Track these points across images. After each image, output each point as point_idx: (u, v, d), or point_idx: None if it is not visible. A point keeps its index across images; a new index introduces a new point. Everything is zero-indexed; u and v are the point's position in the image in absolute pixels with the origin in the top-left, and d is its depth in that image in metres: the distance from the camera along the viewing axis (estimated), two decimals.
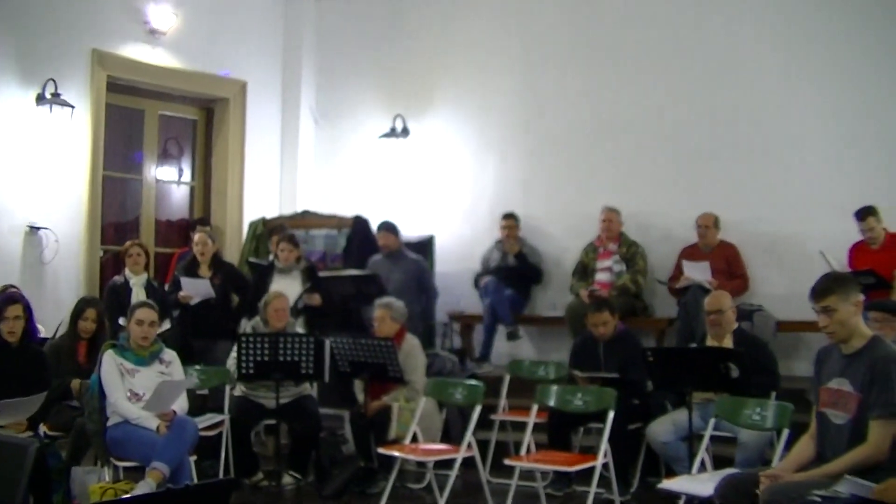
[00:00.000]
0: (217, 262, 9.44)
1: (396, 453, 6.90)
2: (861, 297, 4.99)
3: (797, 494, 4.43)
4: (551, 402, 6.87)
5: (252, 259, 10.23)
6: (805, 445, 5.11)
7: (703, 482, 5.45)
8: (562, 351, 8.64)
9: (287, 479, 7.73)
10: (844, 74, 9.43)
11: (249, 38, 11.53)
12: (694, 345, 7.51)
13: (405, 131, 11.29)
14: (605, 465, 6.58)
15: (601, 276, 9.62)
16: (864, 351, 4.92)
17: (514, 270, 10.13)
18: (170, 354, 7.03)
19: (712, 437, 7.06)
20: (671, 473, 6.77)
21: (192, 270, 9.30)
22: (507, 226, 10.29)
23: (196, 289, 9.08)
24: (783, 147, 9.69)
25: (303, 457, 7.89)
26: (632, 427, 7.39)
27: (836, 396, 4.95)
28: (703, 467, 6.23)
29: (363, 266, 10.03)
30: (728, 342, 7.17)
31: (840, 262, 8.75)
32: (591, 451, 6.66)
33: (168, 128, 11.41)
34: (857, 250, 8.92)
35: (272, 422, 7.93)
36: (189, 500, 3.22)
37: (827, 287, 4.93)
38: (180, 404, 6.76)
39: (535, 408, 6.86)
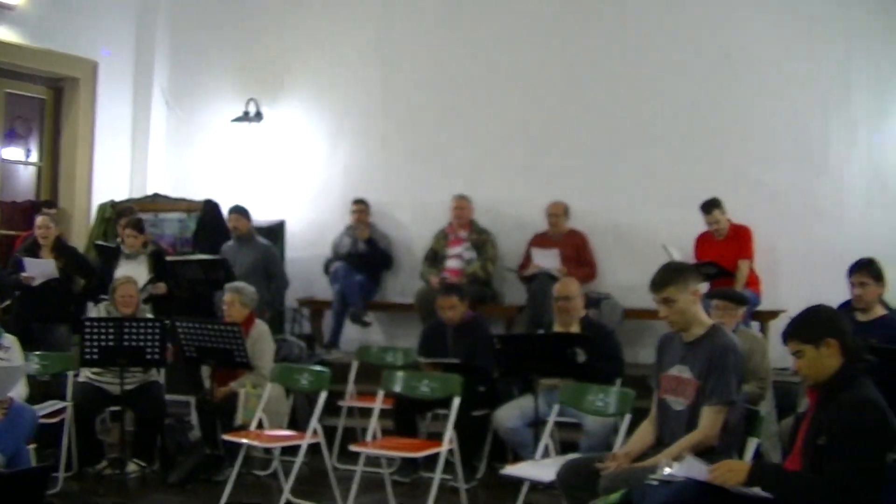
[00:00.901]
0: (59, 247, 9.20)
1: (242, 440, 6.80)
2: (700, 287, 5.11)
3: (635, 479, 4.51)
4: (397, 389, 6.83)
5: (99, 242, 10.00)
6: (645, 431, 5.22)
7: (545, 467, 5.52)
8: (411, 337, 8.65)
9: (132, 467, 7.54)
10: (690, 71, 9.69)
11: (102, 17, 11.17)
12: (541, 331, 7.59)
13: (258, 115, 11.12)
14: (451, 452, 6.59)
15: (451, 263, 9.66)
16: (704, 339, 5.05)
17: (364, 256, 10.09)
18: (9, 340, 6.83)
19: (559, 424, 7.16)
20: (518, 459, 6.84)
21: (33, 254, 9.05)
22: (358, 211, 10.25)
23: (39, 269, 8.84)
24: (634, 139, 9.91)
25: (148, 444, 7.72)
26: (478, 413, 7.43)
27: (676, 383, 5.08)
28: (547, 453, 6.29)
29: (214, 251, 9.86)
30: (575, 329, 7.25)
31: (685, 253, 8.96)
32: (437, 438, 6.67)
33: (15, 106, 10.95)
34: (701, 241, 9.17)
35: (117, 408, 7.74)
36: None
37: (665, 278, 5.04)
38: (18, 391, 6.54)
39: (380, 394, 6.83)
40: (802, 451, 4.22)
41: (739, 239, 9.02)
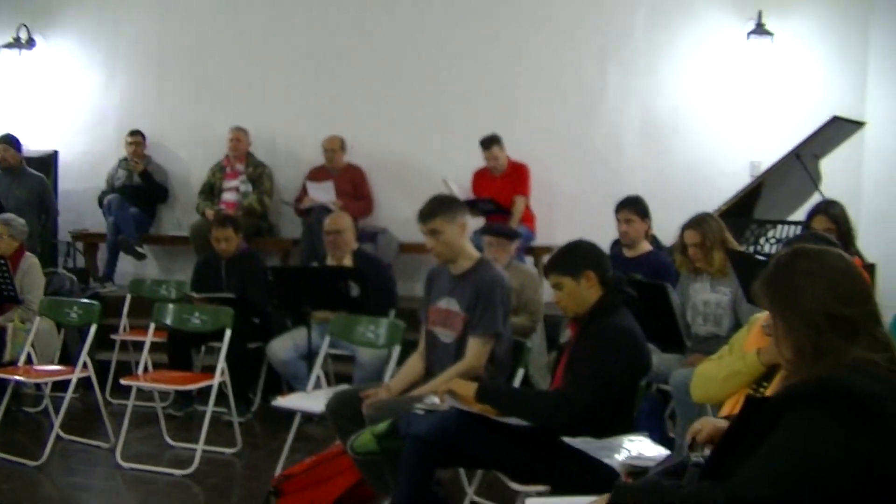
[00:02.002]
0: None
1: (9, 376, 6.64)
2: (467, 220, 5.22)
3: (401, 408, 4.62)
4: (168, 322, 6.77)
5: None
6: (415, 362, 5.32)
7: (316, 399, 5.57)
8: (187, 271, 8.56)
9: None
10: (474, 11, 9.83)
11: None
12: (315, 264, 7.64)
13: (30, 42, 10.68)
14: (225, 385, 6.60)
15: (228, 196, 9.57)
16: (471, 273, 5.16)
17: (139, 189, 9.88)
18: None
19: (334, 356, 7.27)
20: (293, 391, 6.89)
21: None
22: (134, 143, 10.00)
23: None
24: (415, 75, 9.99)
25: None
26: (252, 346, 7.47)
27: (444, 315, 5.19)
28: (319, 385, 6.37)
29: None
30: (348, 262, 7.32)
31: (463, 189, 9.14)
32: (212, 371, 6.65)
33: None
34: (479, 177, 9.35)
35: None
36: None
37: (433, 209, 5.12)
38: None
39: (152, 327, 6.76)
40: (562, 379, 4.42)
41: (517, 176, 9.23)
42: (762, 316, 3.93)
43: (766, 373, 3.75)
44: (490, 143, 9.14)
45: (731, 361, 3.92)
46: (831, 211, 5.91)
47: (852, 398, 2.35)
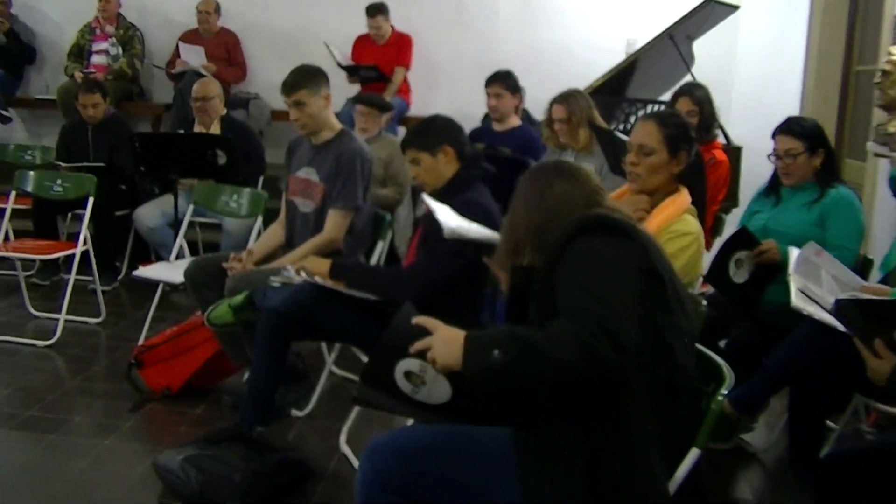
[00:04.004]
0: None
1: None
2: (329, 92, 5.17)
3: (259, 280, 4.62)
4: (29, 189, 6.59)
5: None
6: (275, 232, 5.31)
7: (177, 269, 5.49)
8: (54, 135, 8.30)
9: None
10: None
11: None
12: (182, 131, 7.51)
13: None
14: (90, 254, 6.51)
15: (97, 59, 9.26)
16: (332, 143, 5.13)
17: (4, 50, 9.52)
18: None
19: (202, 224, 7.22)
20: (161, 259, 6.86)
21: None
22: None
23: None
24: None
25: None
26: (120, 213, 7.37)
27: (304, 185, 5.17)
28: (183, 254, 6.33)
29: None
30: (216, 129, 7.22)
31: (344, 55, 9.01)
32: (78, 238, 6.53)
33: None
34: (361, 44, 9.19)
35: None
36: None
37: (297, 81, 5.04)
38: None
39: (13, 194, 6.59)
40: (416, 252, 4.45)
41: (400, 46, 9.11)
42: (615, 193, 3.99)
43: None
44: (375, 11, 9.00)
45: None
46: (696, 93, 5.97)
47: (610, 221, 2.66)
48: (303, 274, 4.31)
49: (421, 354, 2.58)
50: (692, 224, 3.70)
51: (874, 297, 2.72)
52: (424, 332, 2.57)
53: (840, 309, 2.79)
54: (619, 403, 2.52)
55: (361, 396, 2.85)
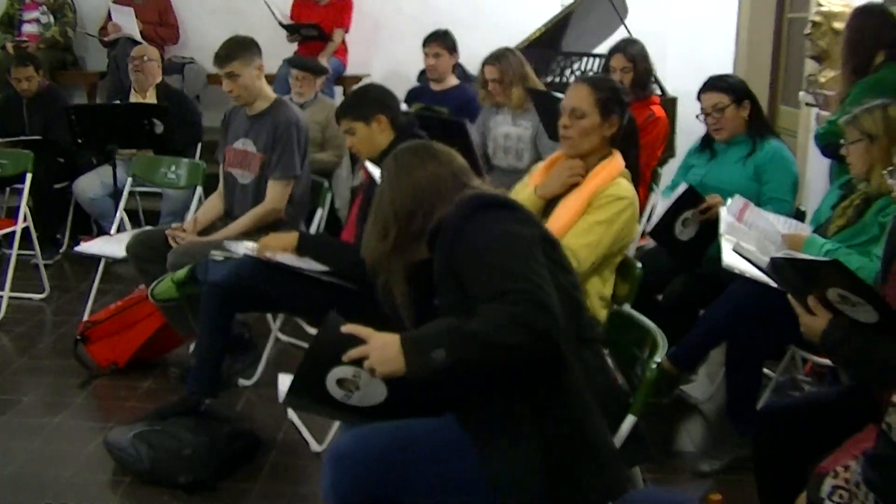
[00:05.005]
0: None
1: None
2: (262, 62, 5.15)
3: (201, 254, 4.65)
4: None
5: None
6: (213, 203, 5.34)
7: (119, 242, 5.48)
8: None
9: None
10: None
11: None
12: (118, 102, 7.46)
13: None
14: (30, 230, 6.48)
15: (28, 28, 9.10)
16: (268, 113, 5.14)
17: None
18: None
19: (142, 193, 7.21)
20: (102, 231, 6.84)
21: None
22: None
23: None
24: None
25: None
26: (59, 186, 7.33)
27: (242, 157, 5.18)
28: (123, 227, 6.32)
29: None
30: (152, 97, 7.17)
31: (283, 14, 8.94)
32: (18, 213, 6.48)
33: None
34: (300, 3, 9.07)
35: None
36: None
37: (229, 53, 5.02)
38: None
39: None
40: (356, 223, 4.48)
41: (340, 7, 9.01)
42: (544, 162, 4.05)
43: (544, 207, 3.86)
44: None
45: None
46: (629, 50, 6.00)
47: (494, 197, 2.76)
48: (266, 253, 4.29)
49: (355, 362, 2.59)
50: (626, 188, 3.75)
51: (808, 257, 2.79)
52: (355, 340, 2.57)
53: (775, 267, 2.86)
54: (552, 363, 2.59)
55: (291, 404, 2.87)
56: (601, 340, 2.87)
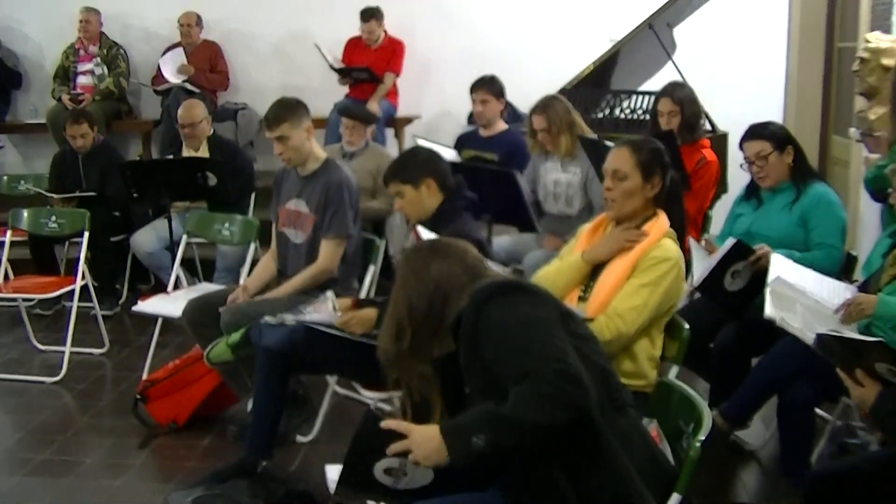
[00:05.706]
0: None
1: None
2: (310, 122, 5.20)
3: (254, 313, 4.71)
4: (24, 227, 6.67)
5: None
6: (267, 262, 5.39)
7: (175, 301, 5.58)
8: (47, 158, 8.28)
9: None
10: None
11: None
12: (171, 156, 7.57)
13: None
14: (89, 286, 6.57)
15: (83, 80, 9.31)
16: (319, 174, 5.18)
17: None
18: None
19: (200, 244, 7.29)
20: (159, 282, 6.96)
21: None
22: None
23: None
24: None
25: None
26: (116, 239, 7.45)
27: (294, 217, 5.23)
28: (179, 284, 6.40)
29: None
30: (204, 150, 7.25)
31: (335, 57, 9.04)
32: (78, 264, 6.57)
33: None
34: (353, 46, 9.22)
35: None
36: None
37: (278, 115, 5.06)
38: None
39: (8, 233, 6.66)
40: None
41: (392, 52, 9.12)
42: (590, 225, 4.06)
43: (591, 273, 3.88)
44: (370, 15, 9.03)
45: (560, 264, 4.03)
46: (676, 94, 5.98)
47: (508, 283, 2.87)
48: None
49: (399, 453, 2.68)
50: (671, 249, 3.75)
51: (855, 336, 2.80)
52: (395, 434, 2.66)
53: (821, 343, 2.87)
54: (588, 431, 2.64)
55: (342, 494, 2.94)
56: (633, 405, 2.89)
